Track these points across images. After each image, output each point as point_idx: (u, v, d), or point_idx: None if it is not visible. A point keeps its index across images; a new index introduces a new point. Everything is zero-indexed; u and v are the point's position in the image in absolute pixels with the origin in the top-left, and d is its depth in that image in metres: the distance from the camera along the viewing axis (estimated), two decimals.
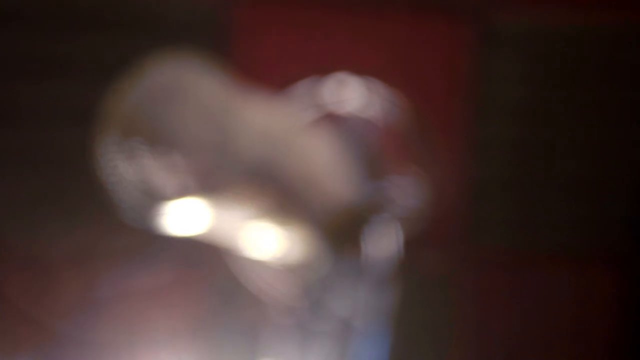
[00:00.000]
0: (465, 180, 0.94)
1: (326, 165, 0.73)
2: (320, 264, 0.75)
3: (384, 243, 0.78)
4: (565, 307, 0.99)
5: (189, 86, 0.59)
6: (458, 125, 0.93)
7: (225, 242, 0.72)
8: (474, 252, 0.94)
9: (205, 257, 0.87)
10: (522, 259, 0.97)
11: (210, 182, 0.59)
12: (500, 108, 0.97)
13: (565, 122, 1.00)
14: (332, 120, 0.83)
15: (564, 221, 1.00)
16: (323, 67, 0.89)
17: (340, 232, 0.77)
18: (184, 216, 0.60)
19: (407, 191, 0.81)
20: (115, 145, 0.60)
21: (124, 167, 0.60)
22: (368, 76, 0.85)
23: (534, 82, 0.98)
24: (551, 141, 1.00)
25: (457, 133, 0.93)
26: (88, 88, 0.89)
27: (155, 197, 0.59)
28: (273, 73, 0.93)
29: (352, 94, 0.85)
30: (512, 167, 0.98)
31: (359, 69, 0.89)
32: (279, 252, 0.73)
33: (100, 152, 0.61)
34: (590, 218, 1.01)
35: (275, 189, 0.66)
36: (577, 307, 0.99)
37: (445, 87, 0.97)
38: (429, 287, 0.92)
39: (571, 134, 1.00)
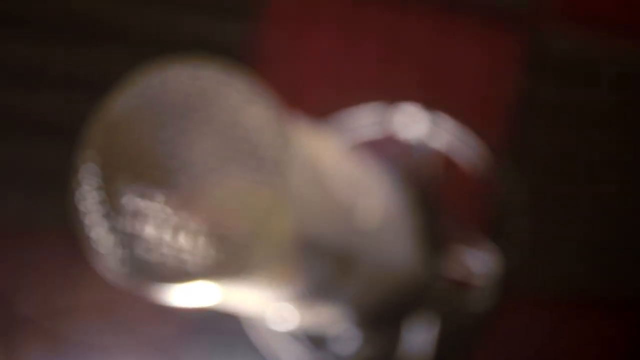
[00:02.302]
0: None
1: (388, 231, 0.54)
2: (348, 343, 0.58)
3: (427, 332, 0.61)
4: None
5: (210, 98, 0.42)
6: (493, 148, 0.78)
7: (239, 314, 0.55)
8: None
9: None
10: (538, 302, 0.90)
11: (237, 255, 0.40)
12: (542, 135, 0.89)
13: (612, 159, 0.91)
14: (390, 162, 0.66)
15: (590, 265, 0.91)
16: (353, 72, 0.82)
17: (382, 312, 0.59)
18: (190, 293, 0.41)
19: (477, 260, 0.63)
20: (92, 190, 0.42)
21: (104, 224, 0.42)
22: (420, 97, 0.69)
23: (584, 110, 0.90)
24: (593, 180, 0.91)
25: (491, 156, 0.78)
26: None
27: (150, 274, 0.40)
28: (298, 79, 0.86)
29: (414, 129, 0.67)
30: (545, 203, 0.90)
31: (394, 73, 0.82)
32: (302, 326, 0.58)
33: (73, 199, 0.42)
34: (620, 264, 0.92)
35: (322, 266, 0.47)
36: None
37: (484, 102, 0.90)
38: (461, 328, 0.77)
39: (617, 173, 0.91)
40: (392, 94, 0.84)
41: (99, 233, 0.42)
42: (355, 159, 0.55)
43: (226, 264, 0.41)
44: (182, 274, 0.41)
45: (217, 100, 0.43)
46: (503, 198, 0.69)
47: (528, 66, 0.88)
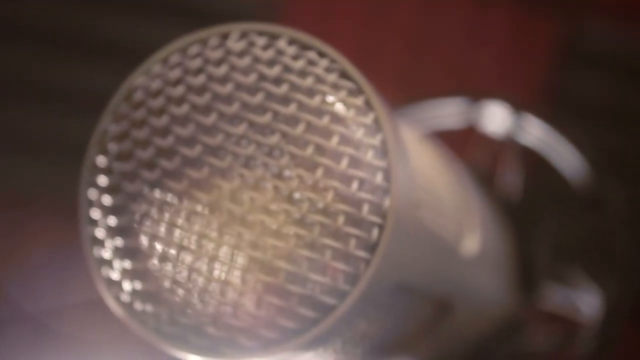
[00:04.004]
0: None
1: (486, 260, 0.41)
2: None
3: None
4: None
5: (290, 69, 0.30)
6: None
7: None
8: None
9: None
10: None
11: (329, 312, 0.28)
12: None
13: None
14: (472, 162, 0.53)
15: None
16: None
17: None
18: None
19: (577, 297, 0.50)
20: (101, 191, 0.31)
21: (114, 241, 0.30)
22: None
23: (619, 104, 0.83)
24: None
25: None
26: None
27: (179, 323, 0.28)
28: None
29: (499, 125, 0.54)
30: None
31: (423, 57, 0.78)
32: None
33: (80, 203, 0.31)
34: None
35: (418, 311, 0.34)
36: None
37: (515, 85, 0.83)
38: None
39: None
40: (421, 76, 0.80)
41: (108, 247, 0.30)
42: (452, 163, 0.42)
43: (310, 330, 0.28)
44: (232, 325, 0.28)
45: (300, 75, 0.30)
46: (604, 216, 0.56)
47: (564, 57, 0.82)
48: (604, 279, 0.54)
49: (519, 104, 0.58)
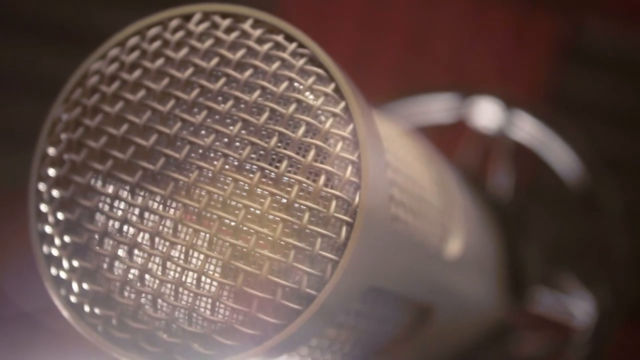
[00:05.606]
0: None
1: (471, 262, 0.39)
2: None
3: None
4: None
5: (256, 53, 0.28)
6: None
7: None
8: None
9: None
10: None
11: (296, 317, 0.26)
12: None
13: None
14: (461, 159, 0.51)
15: None
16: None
17: None
18: None
19: (570, 303, 0.48)
20: (50, 184, 0.28)
21: (63, 236, 0.28)
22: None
23: (617, 105, 0.82)
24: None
25: None
26: None
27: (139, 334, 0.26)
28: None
29: (490, 120, 0.52)
30: None
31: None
32: None
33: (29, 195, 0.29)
34: None
35: (397, 317, 0.32)
36: None
37: (515, 83, 0.82)
38: None
39: None
40: (420, 74, 0.79)
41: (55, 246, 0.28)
42: (437, 160, 0.39)
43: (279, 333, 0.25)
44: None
45: (267, 60, 0.27)
46: (598, 217, 0.54)
47: (564, 56, 0.81)
48: (598, 282, 0.52)
49: (511, 100, 0.55)
